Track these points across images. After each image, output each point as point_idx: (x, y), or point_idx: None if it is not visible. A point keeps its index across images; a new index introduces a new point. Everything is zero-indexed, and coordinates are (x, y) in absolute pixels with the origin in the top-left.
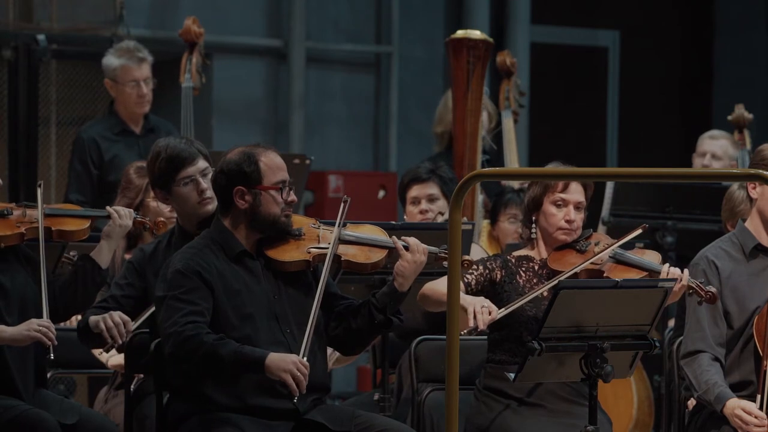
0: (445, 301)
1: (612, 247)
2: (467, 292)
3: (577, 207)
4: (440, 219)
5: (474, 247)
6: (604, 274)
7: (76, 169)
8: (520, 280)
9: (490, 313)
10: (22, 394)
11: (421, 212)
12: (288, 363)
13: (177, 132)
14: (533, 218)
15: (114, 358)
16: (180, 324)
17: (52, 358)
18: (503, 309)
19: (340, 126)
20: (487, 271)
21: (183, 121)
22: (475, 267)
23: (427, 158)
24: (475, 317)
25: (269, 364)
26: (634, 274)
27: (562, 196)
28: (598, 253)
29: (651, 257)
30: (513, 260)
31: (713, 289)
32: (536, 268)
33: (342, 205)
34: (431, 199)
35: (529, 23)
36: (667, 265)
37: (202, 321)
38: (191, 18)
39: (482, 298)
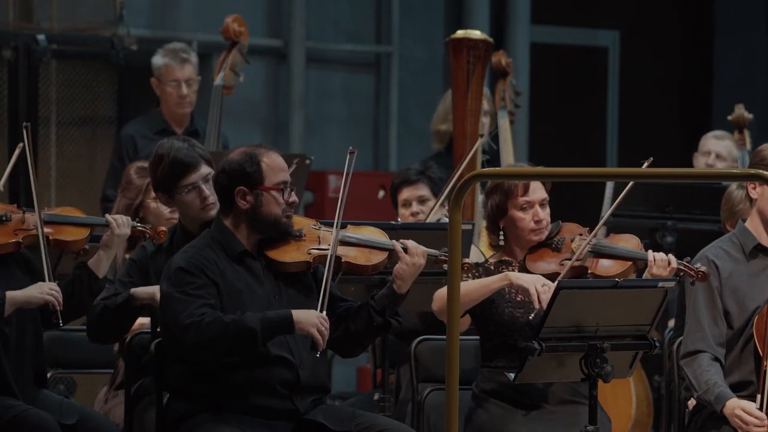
0: (465, 301)
1: (589, 240)
2: None
3: (542, 204)
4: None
5: (472, 249)
6: (589, 271)
7: (114, 165)
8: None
9: (549, 289)
10: (19, 395)
11: (413, 214)
12: (313, 317)
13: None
14: (500, 225)
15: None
16: (197, 314)
17: (62, 324)
18: (556, 281)
19: (340, 126)
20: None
21: (210, 119)
22: (466, 277)
23: (428, 157)
24: (539, 298)
25: (298, 319)
26: (619, 266)
27: (526, 198)
28: (577, 249)
29: (629, 243)
30: (492, 267)
31: (704, 268)
32: (516, 271)
33: (348, 156)
34: (422, 200)
35: (529, 23)
36: (651, 251)
37: (215, 311)
38: (232, 16)
39: (538, 276)
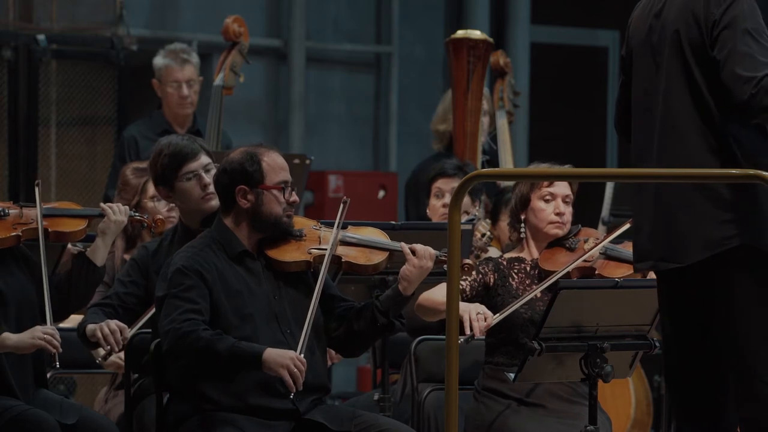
0: (441, 309)
1: (602, 243)
2: (462, 299)
3: (565, 200)
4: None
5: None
6: (596, 272)
7: (116, 166)
8: (513, 283)
9: (485, 320)
10: (19, 395)
11: (444, 206)
12: (285, 358)
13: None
14: (522, 218)
15: (111, 359)
16: (178, 321)
17: (58, 366)
18: (498, 315)
19: (340, 126)
20: (480, 276)
21: (209, 119)
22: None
23: (429, 157)
24: (471, 325)
25: (267, 359)
26: (626, 269)
27: (550, 190)
28: (589, 250)
29: None
30: (505, 263)
31: None
32: (528, 269)
33: (341, 206)
34: None
35: (529, 23)
36: None
37: (200, 319)
38: (232, 17)
39: (477, 304)
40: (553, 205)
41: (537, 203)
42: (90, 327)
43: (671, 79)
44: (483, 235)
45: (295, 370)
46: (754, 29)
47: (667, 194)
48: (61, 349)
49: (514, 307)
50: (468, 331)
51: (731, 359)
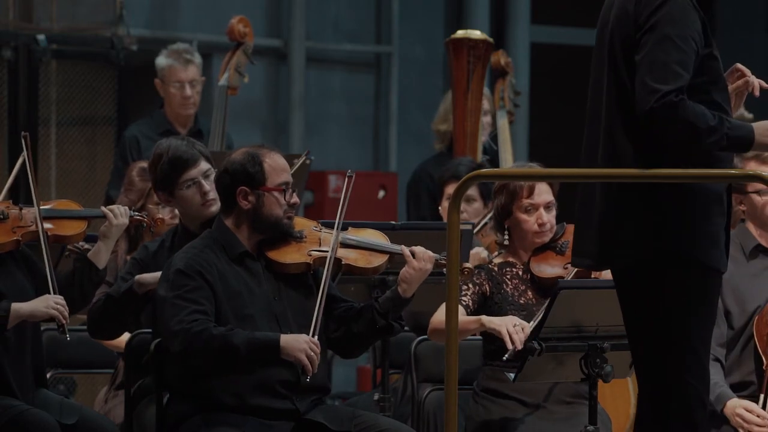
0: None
1: None
2: (468, 314)
3: (547, 207)
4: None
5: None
6: (593, 276)
7: (117, 166)
8: (508, 288)
9: (523, 330)
10: (19, 395)
11: None
12: (302, 343)
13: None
14: (505, 226)
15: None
16: (186, 321)
17: (68, 338)
18: (531, 322)
19: (340, 126)
20: (477, 287)
21: (214, 120)
22: (467, 287)
23: (430, 157)
24: (511, 339)
25: (284, 345)
26: None
27: (530, 201)
28: None
29: None
30: (495, 269)
31: None
32: (520, 273)
33: (346, 180)
34: (467, 199)
35: (529, 23)
36: None
37: (207, 318)
38: (237, 17)
39: (511, 316)
40: (536, 216)
41: (519, 215)
42: (146, 275)
43: (610, 76)
44: (501, 244)
45: (312, 353)
46: (678, 35)
47: (610, 197)
48: (68, 320)
49: (541, 314)
50: (510, 346)
51: (643, 355)
